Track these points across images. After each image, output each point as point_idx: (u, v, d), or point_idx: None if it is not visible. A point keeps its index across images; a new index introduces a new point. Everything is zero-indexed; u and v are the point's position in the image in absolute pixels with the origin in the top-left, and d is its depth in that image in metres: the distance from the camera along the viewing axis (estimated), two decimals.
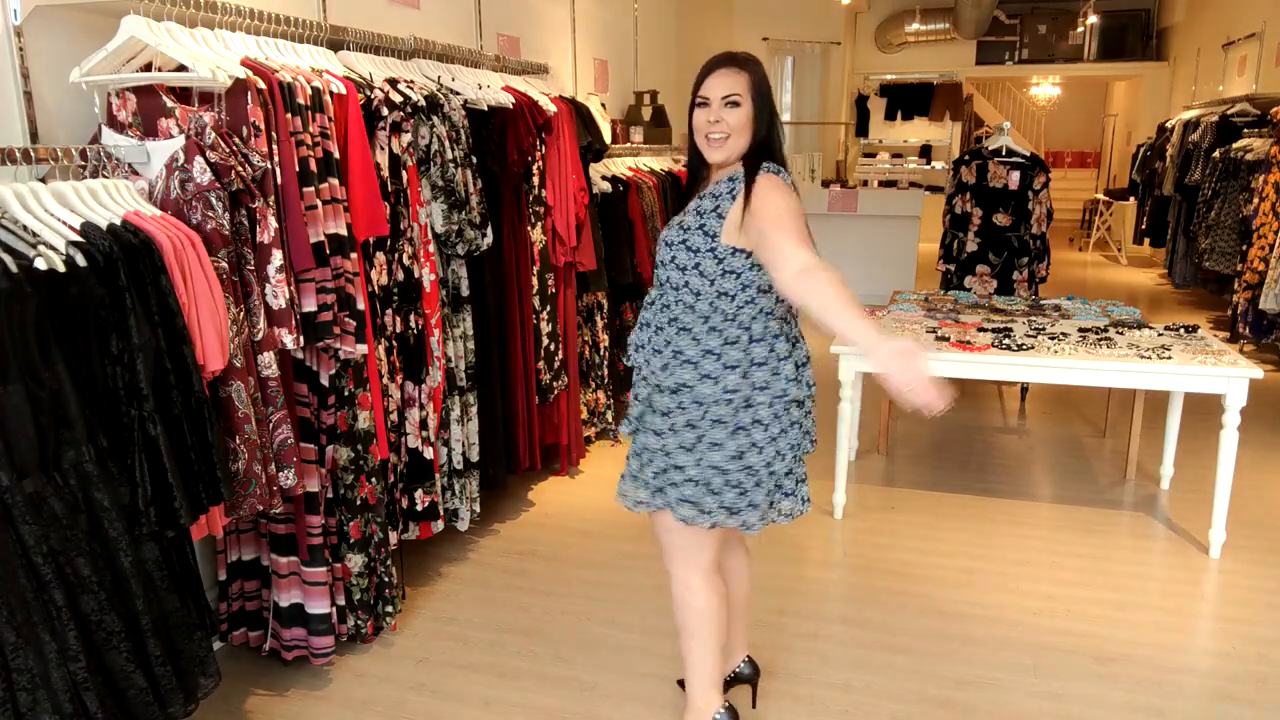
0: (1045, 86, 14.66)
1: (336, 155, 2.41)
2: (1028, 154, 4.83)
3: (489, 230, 3.07)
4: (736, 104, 1.93)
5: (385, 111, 2.62)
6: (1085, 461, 4.25)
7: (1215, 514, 3.21)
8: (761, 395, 1.95)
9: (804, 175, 8.50)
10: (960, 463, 4.24)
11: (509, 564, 3.24)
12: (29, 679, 1.56)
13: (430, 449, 2.92)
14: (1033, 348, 3.36)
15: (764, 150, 1.98)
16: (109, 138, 2.11)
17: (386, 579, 2.66)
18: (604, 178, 4.24)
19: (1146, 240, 9.06)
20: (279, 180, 2.21)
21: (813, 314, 1.75)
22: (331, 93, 2.42)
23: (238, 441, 2.06)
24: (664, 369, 1.99)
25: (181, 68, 2.14)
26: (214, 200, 2.00)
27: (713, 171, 2.02)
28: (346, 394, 2.48)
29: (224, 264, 2.02)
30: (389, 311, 2.71)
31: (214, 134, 2.06)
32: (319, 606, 2.48)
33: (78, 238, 1.74)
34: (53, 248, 1.70)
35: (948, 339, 3.50)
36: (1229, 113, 7.22)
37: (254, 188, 2.11)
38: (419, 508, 2.94)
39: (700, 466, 1.95)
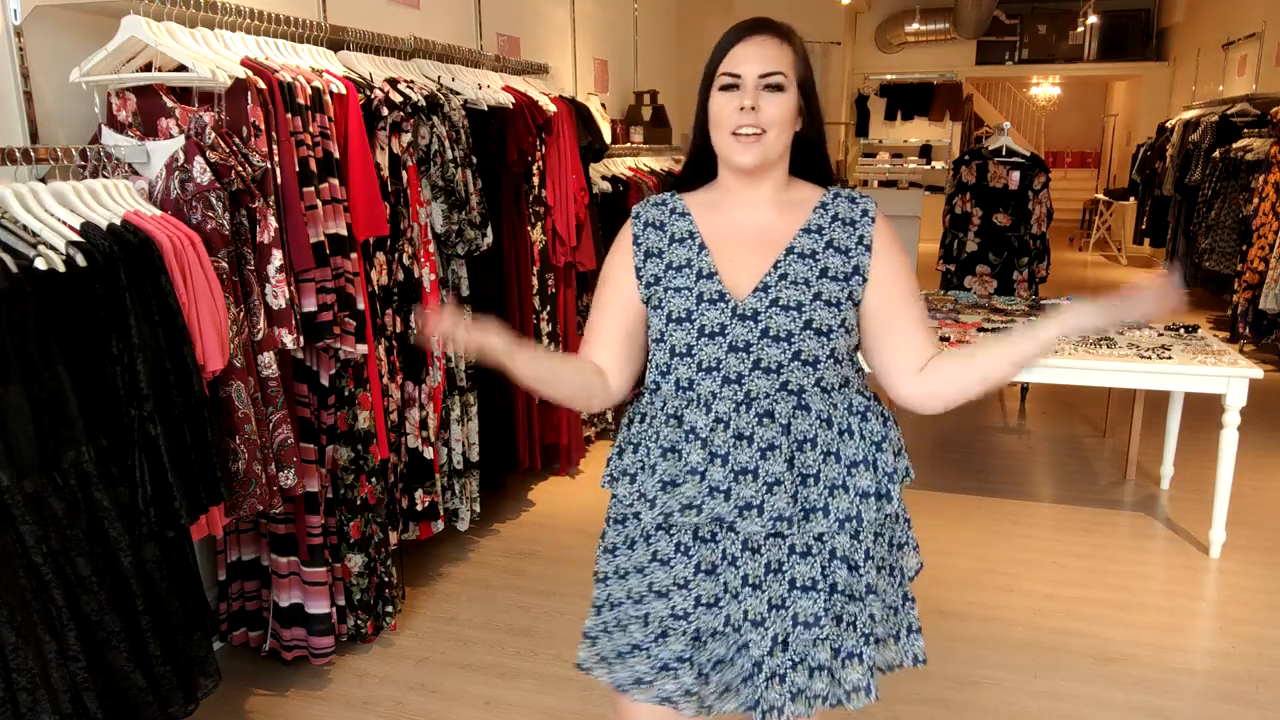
0: (1045, 86, 14.65)
1: (336, 155, 2.41)
2: (1028, 154, 4.83)
3: (489, 230, 3.07)
4: (780, 88, 1.36)
5: (385, 111, 2.62)
6: (1085, 461, 4.25)
7: (1215, 514, 3.21)
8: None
9: None
10: (960, 463, 4.24)
11: (509, 564, 3.24)
12: (29, 679, 1.56)
13: (430, 449, 2.92)
14: None
15: (816, 157, 1.47)
16: (109, 138, 2.11)
17: (386, 579, 2.66)
18: (604, 178, 4.24)
19: (1146, 240, 9.05)
20: (279, 180, 2.21)
21: (960, 391, 1.39)
22: (331, 93, 2.42)
23: (238, 441, 2.06)
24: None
25: (181, 68, 2.14)
26: (214, 200, 2.00)
27: (735, 179, 1.44)
28: (346, 394, 2.48)
29: (224, 264, 2.02)
30: (389, 311, 2.71)
31: (214, 134, 2.06)
32: (319, 606, 2.48)
33: (78, 238, 1.74)
34: (53, 248, 1.70)
35: (948, 339, 3.50)
36: (1229, 113, 7.22)
37: (254, 188, 2.11)
38: (419, 508, 2.94)
39: None
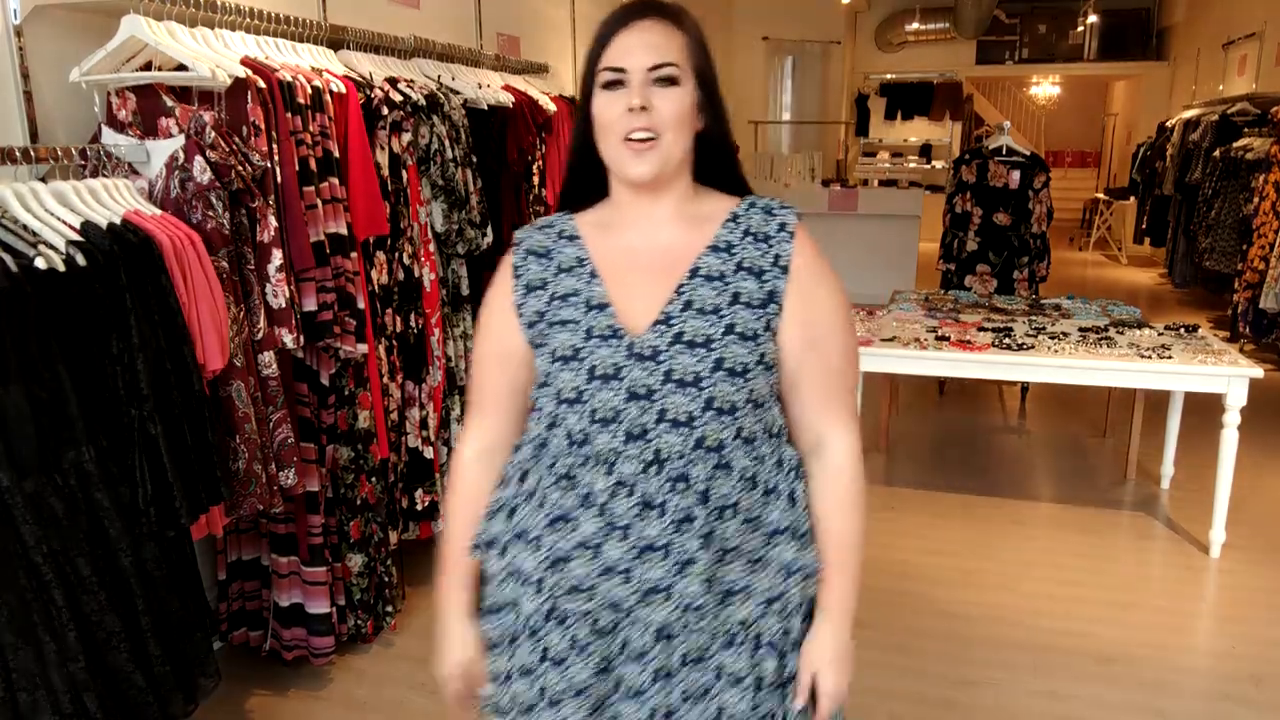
0: (1045, 86, 14.65)
1: (336, 154, 2.41)
2: (1028, 153, 4.83)
3: (489, 229, 3.07)
4: (673, 80, 1.13)
5: (385, 111, 2.61)
6: (1085, 461, 4.25)
7: (1215, 514, 3.21)
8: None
9: (804, 174, 8.50)
10: (960, 462, 4.24)
11: None
12: (29, 679, 1.56)
13: (430, 448, 2.92)
14: (1033, 347, 3.36)
15: (723, 160, 1.23)
16: (109, 137, 2.11)
17: (386, 579, 2.66)
18: None
19: (1146, 240, 9.06)
20: (279, 179, 2.21)
21: (823, 524, 1.24)
22: (331, 92, 2.41)
23: (238, 441, 2.06)
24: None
25: (181, 67, 2.14)
26: (214, 199, 2.00)
27: (629, 194, 1.20)
28: (347, 393, 2.48)
29: (224, 263, 2.02)
30: (389, 311, 2.70)
31: (214, 133, 2.05)
32: (319, 606, 2.48)
33: (78, 237, 1.74)
34: (53, 247, 1.70)
35: (948, 338, 3.50)
36: (1229, 112, 7.22)
37: (254, 187, 2.10)
38: (419, 507, 2.93)
39: None
